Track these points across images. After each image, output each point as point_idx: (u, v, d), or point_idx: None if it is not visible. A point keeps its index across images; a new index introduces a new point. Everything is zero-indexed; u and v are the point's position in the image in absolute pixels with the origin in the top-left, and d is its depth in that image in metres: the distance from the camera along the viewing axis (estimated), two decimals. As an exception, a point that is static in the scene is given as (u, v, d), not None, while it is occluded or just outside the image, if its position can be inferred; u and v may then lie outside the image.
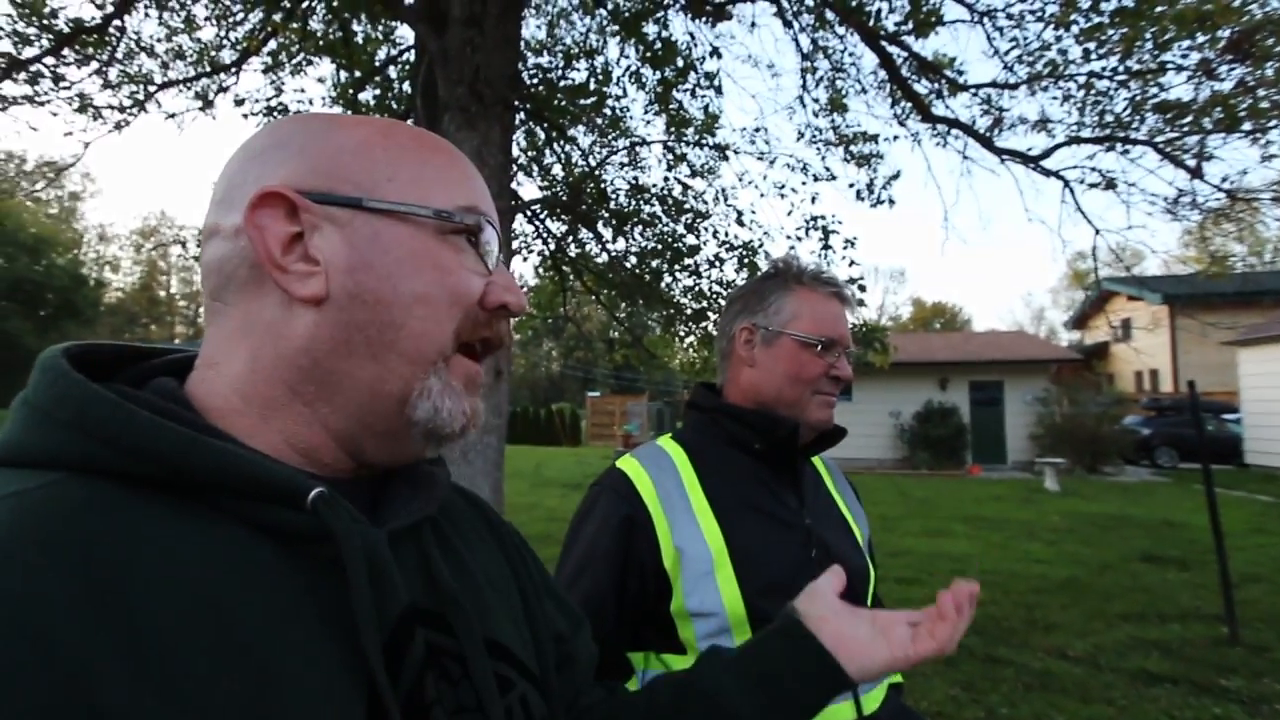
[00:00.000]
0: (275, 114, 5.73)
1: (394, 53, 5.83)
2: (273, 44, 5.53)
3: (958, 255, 68.71)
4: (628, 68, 5.63)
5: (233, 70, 5.68)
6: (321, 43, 5.51)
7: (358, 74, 5.59)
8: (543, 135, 5.91)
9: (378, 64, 5.76)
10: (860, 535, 1.08)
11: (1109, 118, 4.81)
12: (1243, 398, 13.58)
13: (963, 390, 15.14)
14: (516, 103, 4.18)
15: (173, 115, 5.64)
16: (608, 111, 5.68)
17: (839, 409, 1.07)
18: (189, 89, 5.64)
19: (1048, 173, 5.22)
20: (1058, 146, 5.11)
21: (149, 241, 40.36)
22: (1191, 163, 4.77)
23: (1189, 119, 4.56)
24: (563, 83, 5.37)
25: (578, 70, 5.60)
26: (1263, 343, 12.81)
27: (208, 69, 5.59)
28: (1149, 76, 4.51)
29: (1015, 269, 72.28)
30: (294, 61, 5.70)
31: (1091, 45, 4.52)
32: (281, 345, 0.43)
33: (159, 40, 5.37)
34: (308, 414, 0.44)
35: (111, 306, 38.23)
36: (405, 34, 5.75)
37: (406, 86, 5.57)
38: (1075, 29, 4.51)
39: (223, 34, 5.51)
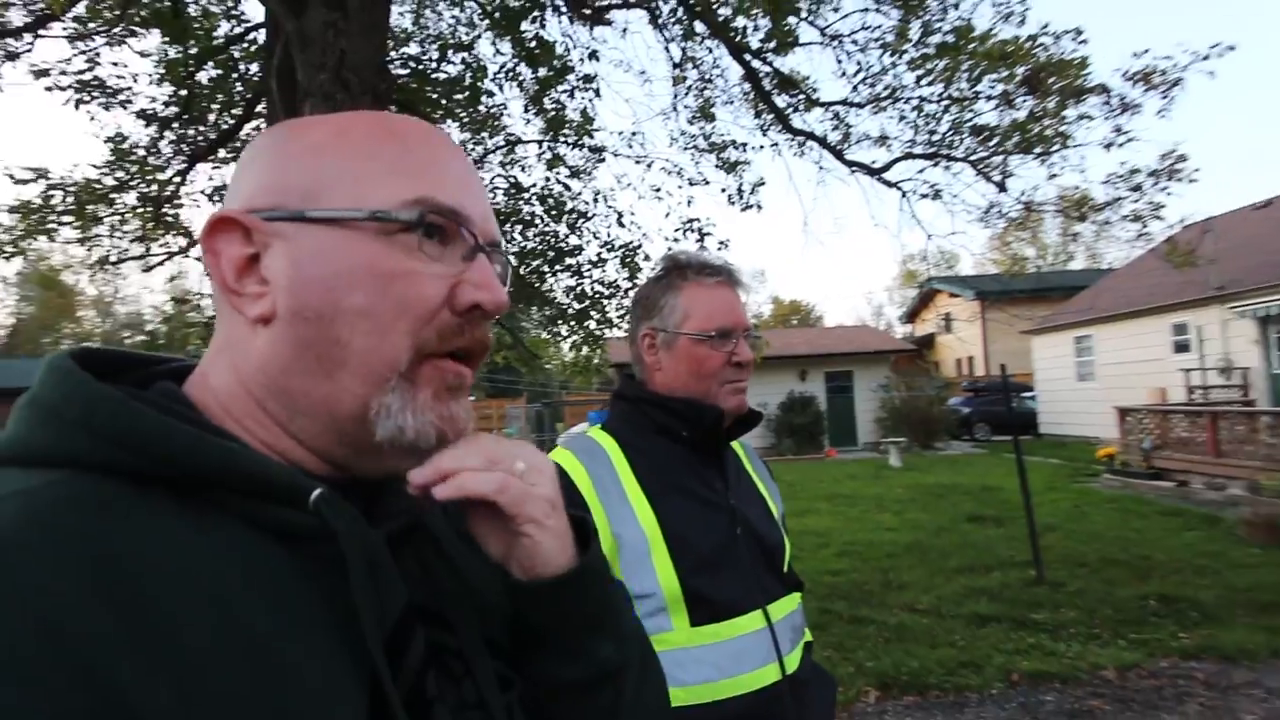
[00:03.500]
0: (89, 89, 4.96)
1: (238, 30, 5.27)
2: (81, 8, 4.77)
3: (810, 256, 74.47)
4: (503, 65, 5.54)
5: (25, 36, 4.82)
6: (145, 13, 4.84)
7: (193, 50, 4.98)
8: (413, 128, 5.63)
9: (217, 41, 5.17)
10: (776, 511, 1.18)
11: (935, 137, 5.51)
12: (1036, 378, 16.11)
13: (819, 381, 16.56)
14: (386, 92, 3.96)
15: (-58, 83, 4.69)
16: (482, 108, 5.55)
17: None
18: (-36, 54, 4.71)
19: (888, 183, 5.87)
20: (895, 161, 5.76)
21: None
22: (998, 178, 5.60)
23: (995, 141, 5.36)
24: (435, 74, 5.16)
25: (452, 64, 5.42)
26: (1051, 331, 15.28)
27: (-9, 32, 4.70)
28: (965, 103, 5.24)
29: (858, 269, 79.86)
30: (111, 31, 4.96)
31: (920, 73, 5.17)
32: (248, 362, 0.44)
33: (-79, -8, 4.44)
34: (279, 430, 0.44)
35: None
36: (252, 10, 5.23)
37: (255, 68, 5.06)
38: (906, 57, 5.13)
39: (13, -9, 4.66)
